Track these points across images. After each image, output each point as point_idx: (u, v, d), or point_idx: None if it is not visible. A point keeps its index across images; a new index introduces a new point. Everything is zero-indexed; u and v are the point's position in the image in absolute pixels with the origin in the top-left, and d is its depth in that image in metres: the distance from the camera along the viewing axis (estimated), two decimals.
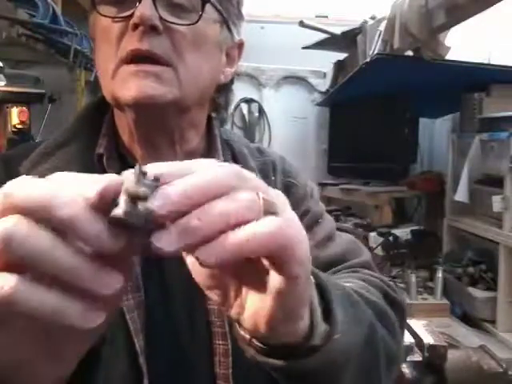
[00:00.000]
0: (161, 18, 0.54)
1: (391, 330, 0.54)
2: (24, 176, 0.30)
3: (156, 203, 0.28)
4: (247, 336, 0.40)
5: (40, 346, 0.32)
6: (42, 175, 0.58)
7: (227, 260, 0.29)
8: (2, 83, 1.79)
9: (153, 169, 0.30)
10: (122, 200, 0.28)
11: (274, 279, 0.33)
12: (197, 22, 0.56)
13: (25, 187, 0.29)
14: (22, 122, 1.90)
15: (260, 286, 0.35)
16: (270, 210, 0.31)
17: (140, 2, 0.53)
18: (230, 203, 0.30)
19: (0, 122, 1.89)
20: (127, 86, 0.54)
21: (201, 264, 0.29)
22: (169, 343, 0.57)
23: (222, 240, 0.29)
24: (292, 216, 0.33)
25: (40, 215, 0.28)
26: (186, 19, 0.56)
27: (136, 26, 0.54)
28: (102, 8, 0.56)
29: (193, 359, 0.57)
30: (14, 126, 1.89)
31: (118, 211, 0.28)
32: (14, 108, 1.89)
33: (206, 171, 0.30)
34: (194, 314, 0.58)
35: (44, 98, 2.02)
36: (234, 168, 0.31)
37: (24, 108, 1.91)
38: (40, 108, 2.10)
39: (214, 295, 0.38)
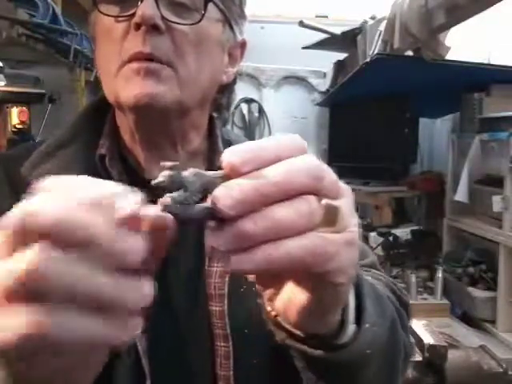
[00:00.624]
0: (163, 18, 0.54)
1: (405, 326, 0.55)
2: (47, 185, 0.28)
3: (223, 202, 0.28)
4: (279, 319, 0.41)
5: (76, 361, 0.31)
6: (43, 176, 0.58)
7: (257, 270, 0.29)
8: (2, 83, 1.79)
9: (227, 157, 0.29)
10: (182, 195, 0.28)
11: (316, 282, 0.34)
12: (199, 21, 0.55)
13: (51, 207, 0.26)
14: (22, 122, 1.90)
15: (300, 279, 0.35)
16: (329, 219, 0.31)
17: (142, 2, 0.53)
18: (291, 212, 0.29)
19: (0, 122, 1.89)
20: (129, 86, 0.54)
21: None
22: (170, 344, 0.57)
23: (262, 251, 0.29)
24: (351, 231, 0.33)
25: (69, 238, 0.26)
26: (188, 19, 0.56)
27: (138, 26, 0.53)
28: (103, 7, 0.56)
29: (194, 361, 0.57)
30: (14, 126, 1.89)
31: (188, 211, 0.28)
32: (14, 108, 1.89)
33: (281, 169, 0.30)
34: (196, 315, 0.58)
35: (44, 98, 2.02)
36: (313, 165, 0.31)
37: (24, 108, 1.91)
38: (40, 108, 2.10)
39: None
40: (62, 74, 2.31)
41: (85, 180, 0.29)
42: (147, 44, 0.54)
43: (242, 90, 3.43)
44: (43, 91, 1.99)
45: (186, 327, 0.57)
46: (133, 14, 0.54)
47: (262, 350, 0.56)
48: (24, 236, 0.26)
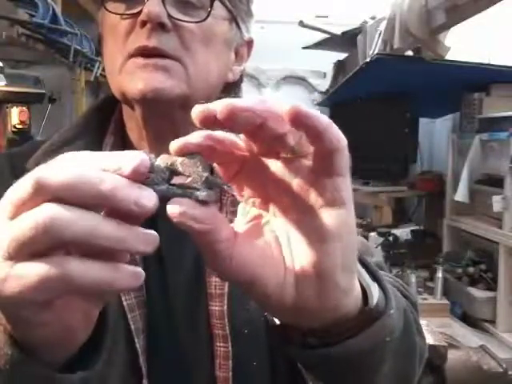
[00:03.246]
0: (169, 16, 0.54)
1: (418, 325, 0.54)
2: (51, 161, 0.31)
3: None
4: (282, 336, 0.39)
5: (79, 313, 0.34)
6: None
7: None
8: (2, 83, 1.79)
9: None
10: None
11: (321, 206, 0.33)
12: (205, 19, 0.55)
13: (56, 170, 0.29)
14: (21, 122, 1.89)
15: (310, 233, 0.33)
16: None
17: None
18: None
19: (0, 122, 1.89)
20: (135, 79, 0.54)
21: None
22: (169, 344, 0.56)
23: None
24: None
25: (77, 194, 0.29)
26: (194, 16, 0.56)
27: (144, 23, 0.53)
28: (110, 5, 0.56)
29: (193, 361, 0.56)
30: (14, 126, 1.89)
31: (202, 194, 0.31)
32: (14, 108, 1.89)
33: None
34: (195, 315, 0.57)
35: (44, 98, 2.01)
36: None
37: (24, 108, 1.91)
38: (40, 108, 2.10)
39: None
40: (62, 73, 2.31)
41: (87, 152, 0.32)
42: (152, 39, 0.54)
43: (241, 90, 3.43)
44: (43, 91, 1.99)
45: (185, 327, 0.57)
46: (139, 12, 0.54)
47: (262, 351, 0.56)
48: (38, 196, 0.29)
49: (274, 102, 0.31)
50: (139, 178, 0.30)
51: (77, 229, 0.28)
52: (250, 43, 0.66)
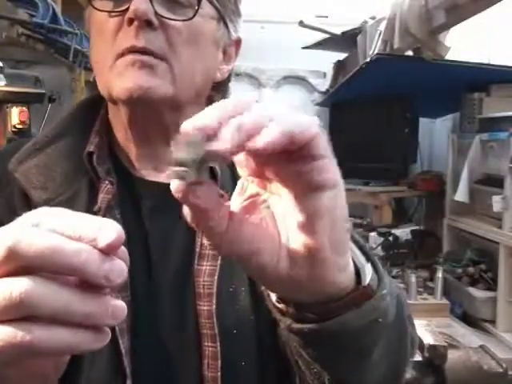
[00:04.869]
0: (156, 13, 0.54)
1: (409, 317, 0.54)
2: (27, 218, 0.32)
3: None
4: (281, 305, 0.40)
5: (50, 362, 0.36)
6: (29, 171, 0.58)
7: (273, 143, 0.30)
8: (2, 83, 1.79)
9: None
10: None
11: (312, 183, 0.33)
12: (192, 17, 0.55)
13: (31, 238, 0.30)
14: (21, 122, 1.89)
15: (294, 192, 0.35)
16: None
17: None
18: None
19: (0, 122, 1.89)
20: (123, 78, 0.54)
21: (253, 155, 0.32)
22: (156, 344, 0.56)
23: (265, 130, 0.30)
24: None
25: (50, 265, 0.30)
26: (181, 15, 0.55)
27: (131, 21, 0.53)
28: (97, 2, 0.56)
29: (180, 361, 0.56)
30: (14, 126, 1.89)
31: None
32: (14, 108, 1.88)
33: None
34: (183, 315, 0.57)
35: (44, 98, 2.01)
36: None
37: (24, 108, 1.90)
38: (40, 108, 2.09)
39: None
40: (61, 73, 2.31)
41: (68, 214, 0.33)
42: (140, 38, 0.54)
43: (241, 90, 3.43)
44: (43, 91, 1.99)
45: (172, 327, 0.56)
46: (126, 10, 0.53)
47: (251, 351, 0.55)
48: (11, 263, 0.30)
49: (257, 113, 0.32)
50: (113, 251, 0.31)
51: (49, 305, 0.30)
52: (238, 43, 0.66)
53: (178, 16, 0.55)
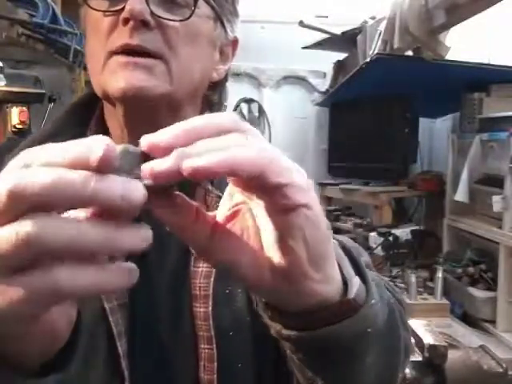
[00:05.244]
0: (152, 13, 0.53)
1: (404, 321, 0.53)
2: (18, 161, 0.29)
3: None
4: (268, 312, 0.40)
5: (64, 319, 0.34)
6: None
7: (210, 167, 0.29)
8: (2, 83, 1.79)
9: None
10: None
11: (286, 207, 0.33)
12: (189, 17, 0.55)
13: (30, 175, 0.27)
14: (21, 122, 1.89)
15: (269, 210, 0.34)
16: None
17: None
18: (218, 140, 0.31)
19: (0, 122, 1.89)
20: (116, 77, 0.54)
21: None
22: (152, 347, 0.55)
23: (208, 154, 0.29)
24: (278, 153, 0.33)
25: (56, 200, 0.27)
26: (178, 15, 0.55)
27: (126, 21, 0.53)
28: (92, 1, 0.55)
29: (177, 363, 0.55)
30: (14, 126, 1.89)
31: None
32: (14, 108, 1.88)
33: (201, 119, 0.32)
34: (180, 316, 0.56)
35: (44, 98, 2.01)
36: (231, 114, 0.33)
37: (24, 108, 1.90)
38: (40, 108, 2.10)
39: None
40: (61, 73, 2.31)
41: (51, 146, 0.30)
42: (134, 37, 0.53)
43: (241, 90, 3.43)
44: (43, 91, 1.99)
45: (168, 329, 0.56)
46: (121, 9, 0.53)
47: (247, 353, 0.55)
48: (14, 206, 0.27)
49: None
50: (110, 163, 0.28)
51: (61, 238, 0.27)
52: (234, 43, 0.66)
53: (174, 16, 0.55)
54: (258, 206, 0.35)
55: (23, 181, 0.27)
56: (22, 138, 0.68)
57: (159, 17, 0.54)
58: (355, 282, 0.40)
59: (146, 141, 0.30)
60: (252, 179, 0.31)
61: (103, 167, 0.28)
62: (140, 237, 0.30)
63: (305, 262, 0.34)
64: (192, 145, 0.30)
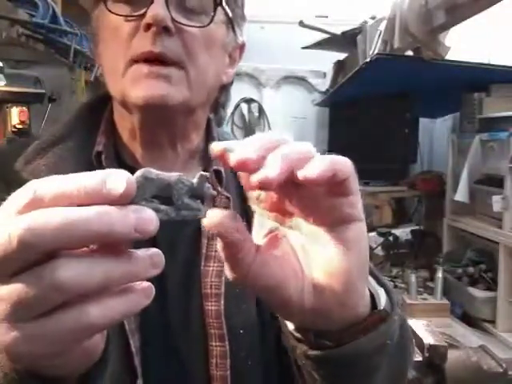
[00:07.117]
0: (173, 20, 0.54)
1: (407, 328, 0.54)
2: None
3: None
4: (298, 334, 0.40)
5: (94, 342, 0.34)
6: (37, 171, 0.57)
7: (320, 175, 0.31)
8: (2, 83, 1.79)
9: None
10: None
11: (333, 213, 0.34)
12: (209, 24, 0.56)
13: (42, 220, 0.27)
14: (21, 122, 1.89)
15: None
16: None
17: (153, 2, 0.53)
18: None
19: (0, 122, 1.89)
20: (138, 86, 0.54)
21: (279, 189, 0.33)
22: (163, 344, 0.56)
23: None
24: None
25: (73, 240, 0.28)
26: (196, 21, 0.56)
27: (148, 27, 0.53)
28: (112, 6, 0.55)
29: (187, 361, 0.56)
30: (14, 126, 1.89)
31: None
32: (14, 108, 1.88)
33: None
34: (190, 315, 0.57)
35: (44, 98, 2.01)
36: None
37: (24, 108, 1.90)
38: (40, 108, 2.09)
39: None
40: (62, 73, 2.30)
41: (60, 178, 0.30)
42: (158, 44, 0.53)
43: (242, 90, 3.43)
44: (43, 91, 1.99)
45: (179, 326, 0.57)
46: (143, 15, 0.53)
47: (256, 350, 0.56)
48: (29, 253, 0.27)
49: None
50: (128, 198, 0.28)
51: (89, 281, 0.28)
52: (242, 47, 0.67)
53: (193, 22, 0.56)
54: (293, 229, 0.37)
55: (34, 225, 0.27)
56: (31, 139, 0.68)
57: (180, 23, 0.54)
58: (382, 295, 0.42)
59: (235, 159, 0.31)
60: (335, 185, 0.33)
61: (123, 201, 0.28)
62: (153, 264, 0.31)
63: (356, 275, 0.36)
64: (287, 157, 0.31)
